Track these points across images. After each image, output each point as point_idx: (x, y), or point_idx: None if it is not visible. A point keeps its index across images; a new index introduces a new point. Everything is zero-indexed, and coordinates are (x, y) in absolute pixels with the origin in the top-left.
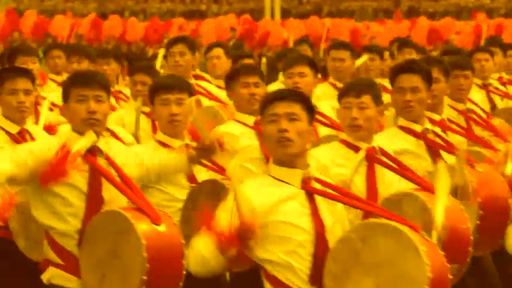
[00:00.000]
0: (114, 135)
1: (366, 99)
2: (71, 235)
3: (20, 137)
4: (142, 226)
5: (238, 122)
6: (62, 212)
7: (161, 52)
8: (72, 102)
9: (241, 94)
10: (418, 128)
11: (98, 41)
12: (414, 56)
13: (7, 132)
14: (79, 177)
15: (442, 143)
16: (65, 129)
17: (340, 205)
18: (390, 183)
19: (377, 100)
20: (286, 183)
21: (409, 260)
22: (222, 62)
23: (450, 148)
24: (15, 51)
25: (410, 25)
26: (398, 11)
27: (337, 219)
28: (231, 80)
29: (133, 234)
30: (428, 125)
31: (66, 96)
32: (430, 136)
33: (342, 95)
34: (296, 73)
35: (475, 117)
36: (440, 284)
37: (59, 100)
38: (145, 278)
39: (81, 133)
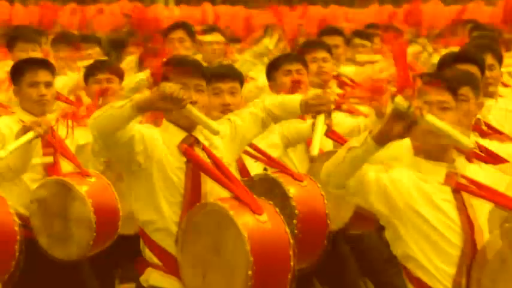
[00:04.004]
0: None
1: (465, 91)
2: (170, 231)
3: None
4: (243, 217)
5: None
6: (161, 205)
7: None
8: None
9: (284, 83)
10: None
11: None
12: None
13: None
14: (176, 171)
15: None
16: None
17: (488, 204)
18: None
19: (476, 92)
20: (429, 178)
21: None
22: (221, 48)
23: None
24: (15, 37)
25: (303, 13)
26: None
27: (486, 218)
28: (273, 69)
29: (233, 227)
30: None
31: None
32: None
33: None
34: (320, 58)
35: None
36: None
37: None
38: (250, 272)
39: (179, 124)
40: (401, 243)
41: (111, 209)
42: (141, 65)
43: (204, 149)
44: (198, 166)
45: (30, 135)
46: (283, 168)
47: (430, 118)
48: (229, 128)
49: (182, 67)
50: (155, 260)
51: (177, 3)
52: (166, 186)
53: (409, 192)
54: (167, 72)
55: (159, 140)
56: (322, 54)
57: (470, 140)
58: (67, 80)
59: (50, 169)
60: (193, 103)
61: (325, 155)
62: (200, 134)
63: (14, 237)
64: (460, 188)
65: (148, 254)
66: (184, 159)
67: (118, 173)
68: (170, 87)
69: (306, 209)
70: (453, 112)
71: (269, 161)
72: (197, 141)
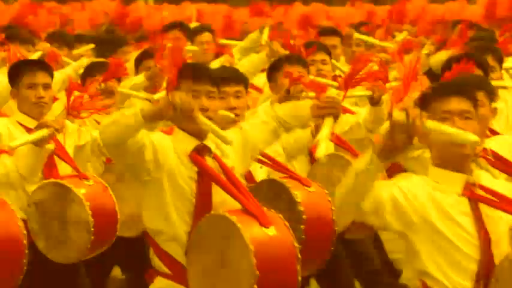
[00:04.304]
0: None
1: (480, 96)
2: (179, 241)
3: None
4: (250, 230)
5: None
6: (171, 215)
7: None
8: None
9: (284, 85)
10: None
11: None
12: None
13: (25, 127)
14: (187, 180)
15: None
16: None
17: (507, 216)
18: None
19: (491, 97)
20: (446, 188)
21: None
22: (212, 48)
23: None
24: (9, 38)
25: (284, 11)
26: None
27: (504, 231)
28: (274, 70)
29: (240, 239)
30: None
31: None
32: None
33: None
34: (319, 60)
35: None
36: None
37: None
38: (255, 286)
39: (189, 132)
40: (418, 259)
41: (109, 212)
42: (139, 65)
43: (215, 157)
44: (207, 175)
45: (44, 132)
46: (290, 174)
47: (431, 124)
48: (240, 136)
49: (194, 74)
50: (164, 269)
51: (157, 1)
52: (176, 196)
53: (424, 205)
54: (178, 79)
55: (170, 149)
56: (321, 56)
57: (475, 136)
58: (58, 75)
59: (48, 171)
60: (205, 110)
61: (327, 158)
62: (211, 142)
63: (22, 251)
64: (478, 199)
65: (157, 262)
66: (196, 168)
67: (118, 174)
68: (180, 98)
69: (313, 215)
70: (474, 121)
71: (276, 166)
72: (208, 150)
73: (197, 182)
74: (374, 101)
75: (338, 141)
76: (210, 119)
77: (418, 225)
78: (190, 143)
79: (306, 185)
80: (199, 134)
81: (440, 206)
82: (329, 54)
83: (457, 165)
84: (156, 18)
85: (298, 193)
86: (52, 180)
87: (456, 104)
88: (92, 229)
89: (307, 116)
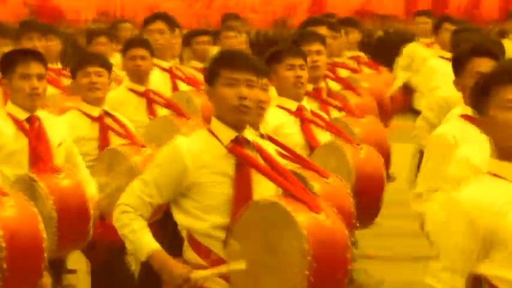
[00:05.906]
0: (114, 119)
1: None
2: (215, 235)
3: (28, 124)
4: (301, 215)
5: (281, 108)
6: (201, 215)
7: None
8: (220, 86)
9: (287, 77)
10: None
11: None
12: (356, 35)
13: (14, 120)
14: (222, 177)
15: None
16: None
17: None
18: None
19: None
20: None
21: None
22: (179, 42)
23: None
24: None
25: (208, 3)
26: None
27: None
28: (273, 62)
29: (292, 225)
30: None
31: (212, 79)
32: None
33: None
34: (314, 51)
35: None
36: None
37: None
38: (307, 272)
39: (228, 122)
40: (484, 265)
41: (78, 207)
42: (124, 54)
43: (254, 146)
44: (248, 164)
45: None
46: (309, 165)
47: None
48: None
49: (233, 62)
50: (200, 261)
51: None
52: (212, 194)
53: (485, 225)
54: (217, 67)
55: (202, 157)
56: (316, 46)
57: None
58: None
59: (34, 165)
60: (243, 99)
61: (323, 148)
62: (252, 136)
63: (41, 255)
64: None
65: (192, 255)
66: (233, 162)
67: (108, 163)
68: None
69: None
70: None
71: (295, 158)
72: (247, 141)
73: (236, 174)
74: None
75: (333, 129)
76: (248, 108)
77: (483, 245)
78: (229, 135)
79: (323, 176)
80: (238, 125)
81: (497, 212)
82: (324, 44)
83: None
84: (75, 8)
85: (315, 183)
86: (25, 173)
87: None
88: (56, 224)
89: None
